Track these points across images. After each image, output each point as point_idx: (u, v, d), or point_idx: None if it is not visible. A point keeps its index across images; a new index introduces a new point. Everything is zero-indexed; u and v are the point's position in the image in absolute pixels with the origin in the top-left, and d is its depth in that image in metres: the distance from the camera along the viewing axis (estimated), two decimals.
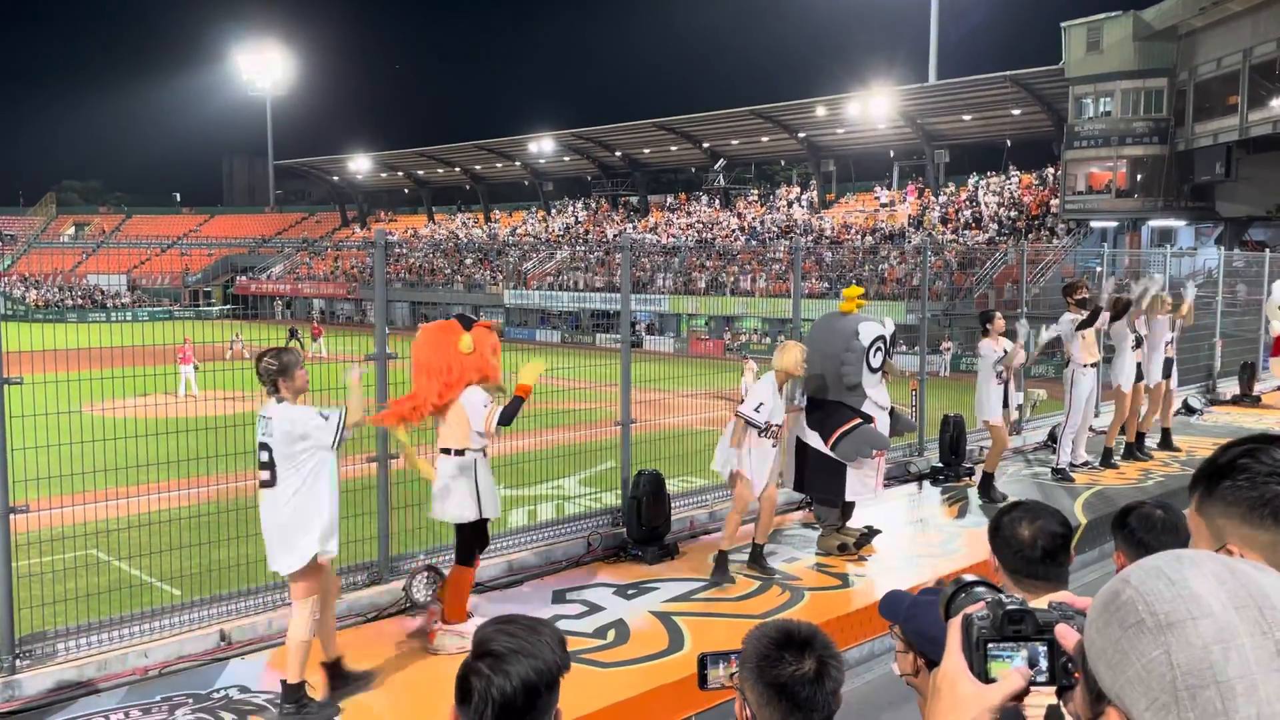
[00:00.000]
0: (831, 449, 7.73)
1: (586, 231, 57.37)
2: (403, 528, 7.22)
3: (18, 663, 5.48)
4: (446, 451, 6.11)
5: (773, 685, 1.91)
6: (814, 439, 7.85)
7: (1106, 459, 11.32)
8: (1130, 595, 0.97)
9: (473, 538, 6.22)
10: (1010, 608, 1.24)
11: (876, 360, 7.91)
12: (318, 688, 5.37)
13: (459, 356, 6.09)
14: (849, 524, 8.28)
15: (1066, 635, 1.21)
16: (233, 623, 6.18)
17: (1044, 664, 1.22)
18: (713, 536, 8.31)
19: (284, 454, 5.09)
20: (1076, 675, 1.07)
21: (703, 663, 2.06)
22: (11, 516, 5.48)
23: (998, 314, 10.22)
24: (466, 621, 6.14)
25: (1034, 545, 2.57)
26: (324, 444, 5.13)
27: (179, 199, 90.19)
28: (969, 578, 1.58)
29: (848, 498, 8.03)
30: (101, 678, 5.58)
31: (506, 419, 6.02)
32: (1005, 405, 9.99)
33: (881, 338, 7.94)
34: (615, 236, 52.65)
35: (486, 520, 6.26)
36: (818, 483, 8.03)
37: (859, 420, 7.81)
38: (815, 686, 1.91)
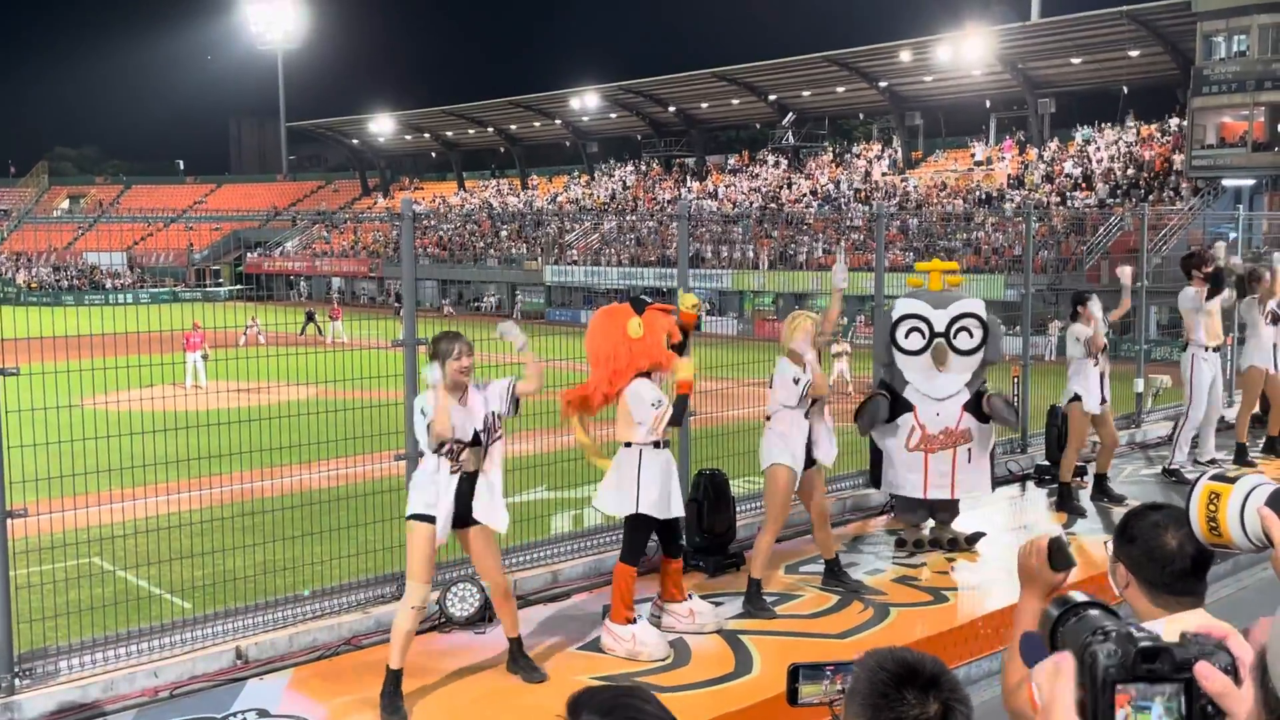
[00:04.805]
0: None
1: (636, 198, 57.37)
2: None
3: (17, 682, 5.67)
4: (627, 445, 6.44)
5: None
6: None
7: (1241, 456, 11.09)
8: None
9: (635, 534, 6.46)
10: (1144, 644, 1.21)
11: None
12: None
13: (627, 342, 6.35)
14: (955, 526, 8.52)
15: (1208, 676, 1.18)
16: (250, 639, 6.32)
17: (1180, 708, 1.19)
18: (781, 546, 8.24)
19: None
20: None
21: (794, 674, 2.02)
22: (10, 521, 5.66)
23: (1093, 296, 9.65)
24: (630, 624, 6.33)
25: (1182, 555, 2.43)
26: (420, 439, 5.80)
27: (182, 167, 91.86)
28: (1079, 596, 1.54)
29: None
30: (108, 699, 5.75)
31: (676, 421, 6.43)
32: (1104, 398, 9.62)
33: None
34: (669, 203, 52.55)
35: (662, 520, 6.44)
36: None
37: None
38: None
